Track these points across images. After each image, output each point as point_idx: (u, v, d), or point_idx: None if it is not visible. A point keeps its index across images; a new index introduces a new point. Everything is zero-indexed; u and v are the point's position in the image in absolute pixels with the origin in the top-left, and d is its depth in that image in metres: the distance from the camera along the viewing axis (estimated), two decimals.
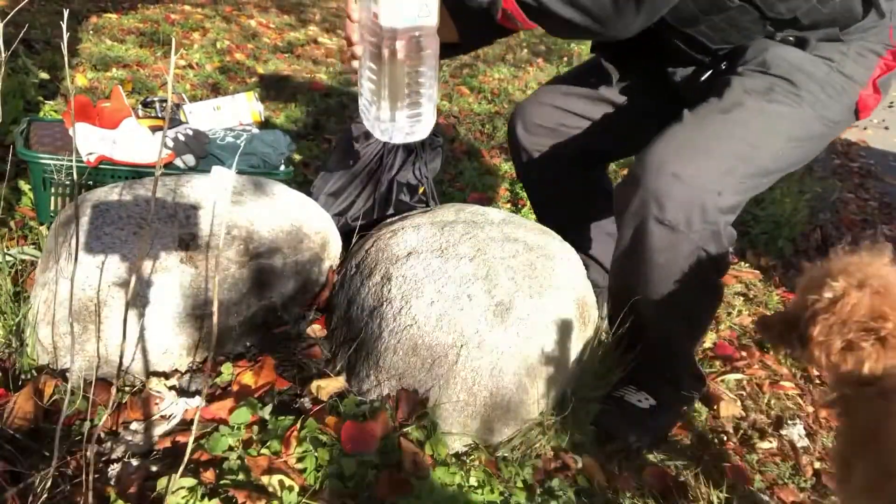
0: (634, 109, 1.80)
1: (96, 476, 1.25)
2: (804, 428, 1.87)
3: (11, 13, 1.52)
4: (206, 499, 1.23)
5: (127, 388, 1.49)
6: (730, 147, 1.45)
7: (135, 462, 1.34)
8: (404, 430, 1.42)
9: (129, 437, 1.40)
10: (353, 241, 1.83)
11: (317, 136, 3.29)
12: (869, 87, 1.50)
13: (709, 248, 1.45)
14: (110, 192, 1.65)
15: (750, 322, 2.43)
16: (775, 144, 1.49)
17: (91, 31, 4.09)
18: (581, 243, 1.97)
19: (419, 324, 1.47)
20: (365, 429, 1.37)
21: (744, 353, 2.20)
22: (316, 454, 1.32)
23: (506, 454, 1.52)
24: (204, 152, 2.07)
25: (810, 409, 1.99)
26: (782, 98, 1.48)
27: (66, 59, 0.87)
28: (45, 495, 1.16)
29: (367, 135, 1.85)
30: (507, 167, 3.28)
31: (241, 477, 1.29)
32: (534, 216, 2.14)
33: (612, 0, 1.33)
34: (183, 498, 1.21)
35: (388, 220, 1.80)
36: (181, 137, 2.05)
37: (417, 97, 1.37)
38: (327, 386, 1.51)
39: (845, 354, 1.02)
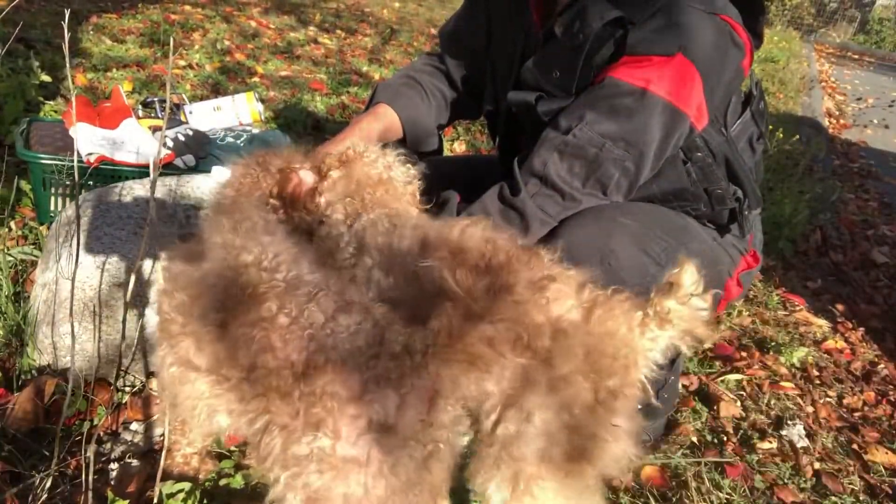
0: None
1: (96, 476, 1.25)
2: (804, 428, 1.87)
3: (7, 8, 1.52)
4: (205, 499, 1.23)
5: (127, 388, 1.49)
6: None
7: (135, 462, 1.34)
8: None
9: (129, 437, 1.40)
10: None
11: (317, 136, 3.29)
12: (734, 278, 1.61)
13: None
14: (110, 192, 1.65)
15: (750, 322, 2.43)
16: None
17: (91, 31, 4.09)
18: None
19: None
20: None
21: (744, 353, 2.20)
22: None
23: None
24: (204, 152, 2.07)
25: (810, 409, 1.99)
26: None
27: (67, 59, 0.87)
28: (45, 495, 1.16)
29: None
30: None
31: (238, 479, 1.29)
32: None
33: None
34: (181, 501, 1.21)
35: None
36: (181, 137, 2.05)
37: None
38: None
39: None
